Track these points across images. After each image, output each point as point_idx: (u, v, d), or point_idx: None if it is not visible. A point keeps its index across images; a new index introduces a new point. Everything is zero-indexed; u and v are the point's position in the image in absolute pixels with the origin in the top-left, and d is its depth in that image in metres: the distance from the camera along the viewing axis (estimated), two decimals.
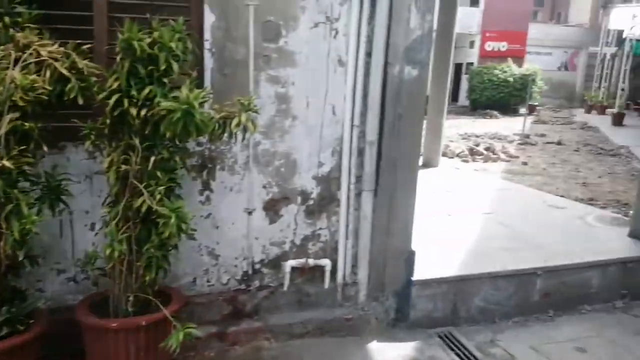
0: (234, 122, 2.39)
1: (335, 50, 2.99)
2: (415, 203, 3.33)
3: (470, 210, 5.18)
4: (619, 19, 23.96)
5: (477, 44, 24.96)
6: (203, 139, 2.66)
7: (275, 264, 3.18)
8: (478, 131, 15.51)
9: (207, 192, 3.00)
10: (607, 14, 28.56)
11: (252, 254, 3.12)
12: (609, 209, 6.82)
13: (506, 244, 4.10)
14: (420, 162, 7.95)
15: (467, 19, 24.15)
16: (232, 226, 3.08)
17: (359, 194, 3.23)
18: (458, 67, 26.12)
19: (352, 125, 3.10)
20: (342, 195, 3.21)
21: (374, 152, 3.14)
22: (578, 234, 4.44)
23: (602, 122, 19.06)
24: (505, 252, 3.91)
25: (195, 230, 2.75)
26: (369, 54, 3.02)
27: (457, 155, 10.96)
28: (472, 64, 24.83)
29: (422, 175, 7.09)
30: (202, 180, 2.96)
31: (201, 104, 2.32)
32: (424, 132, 8.28)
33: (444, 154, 10.76)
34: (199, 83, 2.72)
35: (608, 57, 26.23)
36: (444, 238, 4.24)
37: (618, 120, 18.36)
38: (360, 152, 3.17)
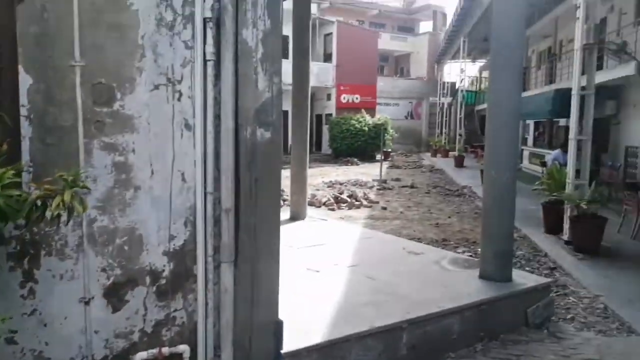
0: (55, 202, 2.01)
1: (181, 113, 2.76)
2: (279, 269, 3.16)
3: (337, 264, 5.17)
4: (451, 73, 27.59)
5: (334, 96, 26.61)
6: (22, 220, 2.20)
7: (122, 359, 2.72)
8: (342, 178, 16.23)
9: (30, 284, 2.49)
10: (440, 68, 32.83)
11: (92, 351, 2.63)
12: (460, 248, 7.40)
13: (372, 298, 4.10)
14: (288, 216, 8.05)
15: (323, 74, 25.77)
16: (65, 321, 2.58)
17: (217, 266, 2.96)
18: (319, 118, 27.54)
19: (205, 192, 2.86)
20: (199, 269, 2.91)
21: (231, 219, 2.92)
22: (435, 281, 4.63)
23: (446, 165, 21.33)
24: (371, 307, 3.90)
25: (15, 331, 2.30)
26: (218, 117, 2.84)
27: (324, 204, 11.24)
28: (331, 115, 26.31)
29: (290, 229, 7.13)
30: (22, 270, 2.46)
31: (11, 185, 1.91)
32: (289, 184, 8.33)
33: (312, 204, 10.95)
34: (14, 156, 2.28)
35: (446, 106, 29.85)
36: (313, 297, 4.11)
37: (459, 163, 20.70)
38: (217, 221, 2.93)
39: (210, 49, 2.73)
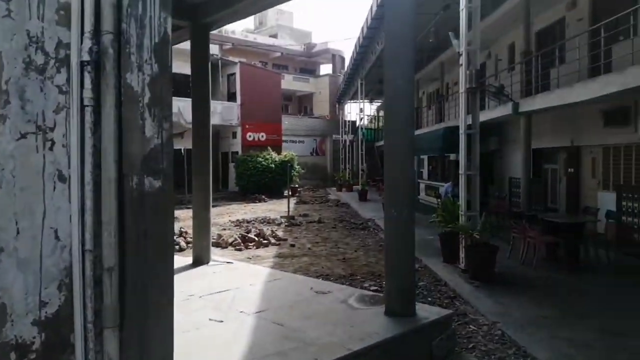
0: None
1: (53, 164, 2.48)
2: (173, 329, 2.89)
3: (243, 311, 4.93)
4: (351, 112, 28.82)
5: (239, 134, 26.46)
6: None
7: None
8: (249, 216, 15.96)
9: None
10: (342, 108, 34.21)
11: None
12: (367, 282, 7.48)
13: (279, 347, 3.93)
14: (190, 261, 7.64)
15: (227, 113, 25.63)
16: None
17: (100, 333, 2.63)
18: (225, 156, 27.14)
19: (82, 251, 2.56)
20: (77, 338, 2.56)
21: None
22: (343, 321, 4.57)
23: (351, 199, 21.90)
24: (278, 357, 3.73)
25: None
26: (98, 166, 2.59)
27: (231, 244, 10.91)
28: (237, 152, 26.06)
29: (192, 276, 6.76)
30: None
31: None
32: (191, 225, 7.92)
33: (217, 244, 10.59)
34: None
35: (348, 142, 30.95)
36: (214, 353, 3.85)
37: (363, 196, 21.35)
38: (98, 282, 2.62)
39: (88, 94, 2.50)
